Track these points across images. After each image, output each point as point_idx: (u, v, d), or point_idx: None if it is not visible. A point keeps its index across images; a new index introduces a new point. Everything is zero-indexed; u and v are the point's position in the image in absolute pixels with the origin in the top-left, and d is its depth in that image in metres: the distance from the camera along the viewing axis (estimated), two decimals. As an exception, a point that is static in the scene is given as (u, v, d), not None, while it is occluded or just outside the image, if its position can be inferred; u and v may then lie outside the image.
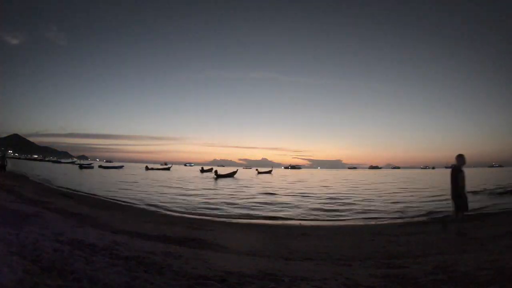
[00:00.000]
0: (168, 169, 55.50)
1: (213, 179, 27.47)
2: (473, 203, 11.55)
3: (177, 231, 5.26)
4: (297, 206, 10.92)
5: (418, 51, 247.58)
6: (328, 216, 9.19)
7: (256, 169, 60.52)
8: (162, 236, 4.64)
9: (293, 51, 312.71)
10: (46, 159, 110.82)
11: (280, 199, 13.34)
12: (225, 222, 7.84)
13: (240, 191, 16.38)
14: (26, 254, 2.29)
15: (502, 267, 2.57)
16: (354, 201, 12.61)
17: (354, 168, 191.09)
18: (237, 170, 38.22)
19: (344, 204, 11.71)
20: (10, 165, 24.02)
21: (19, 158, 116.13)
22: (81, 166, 48.33)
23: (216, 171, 31.76)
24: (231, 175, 32.08)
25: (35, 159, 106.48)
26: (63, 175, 27.19)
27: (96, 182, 20.41)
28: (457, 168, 5.37)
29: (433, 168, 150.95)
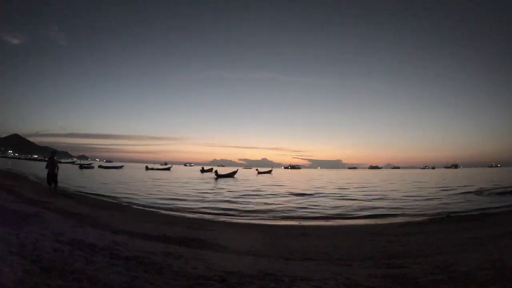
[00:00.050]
0: (168, 169, 55.47)
1: (213, 179, 27.50)
2: (473, 203, 11.61)
3: (177, 231, 5.26)
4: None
5: (418, 51, 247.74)
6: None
7: (256, 169, 60.56)
8: (162, 236, 4.64)
9: (293, 51, 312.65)
10: (46, 159, 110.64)
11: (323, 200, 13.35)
12: (225, 222, 7.84)
13: (266, 194, 15.36)
14: (26, 254, 2.29)
15: (502, 267, 2.57)
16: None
17: (354, 168, 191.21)
18: (237, 170, 38.27)
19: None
20: (11, 165, 23.98)
21: (19, 158, 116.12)
22: (81, 166, 48.35)
23: (216, 171, 31.79)
24: (231, 175, 32.10)
25: (35, 159, 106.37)
26: (63, 175, 27.17)
27: (96, 182, 20.41)
28: None
29: (433, 168, 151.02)
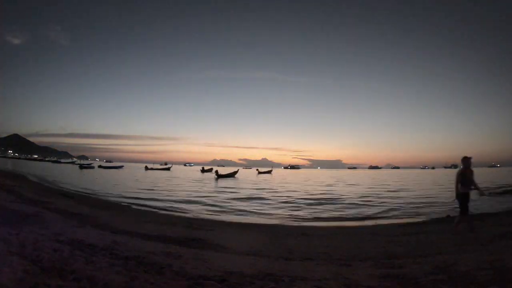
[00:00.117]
0: (168, 169, 55.41)
1: (213, 179, 27.50)
2: (473, 203, 11.58)
3: (177, 231, 5.26)
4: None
5: (418, 51, 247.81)
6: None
7: (257, 169, 60.64)
8: (162, 236, 4.64)
9: (293, 51, 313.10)
10: (46, 159, 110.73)
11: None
12: (225, 222, 7.84)
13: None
14: (26, 254, 2.29)
15: (502, 267, 2.57)
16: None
17: (354, 168, 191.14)
18: (238, 170, 38.33)
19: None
20: (10, 165, 24.00)
21: (19, 158, 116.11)
22: (81, 166, 48.35)
23: (217, 171, 31.81)
24: (232, 175, 32.10)
25: (35, 159, 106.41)
26: (63, 175, 27.19)
27: (96, 182, 20.41)
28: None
29: (433, 168, 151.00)
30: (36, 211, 5.20)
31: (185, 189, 17.48)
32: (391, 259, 3.53)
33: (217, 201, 12.14)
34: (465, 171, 5.50)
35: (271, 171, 51.32)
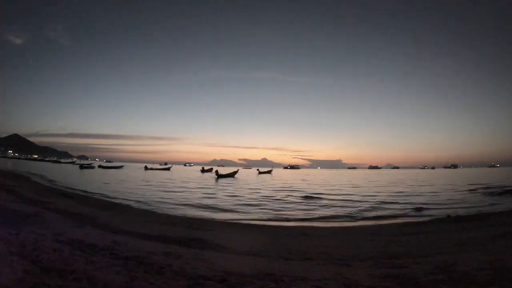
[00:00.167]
0: (168, 169, 55.37)
1: (214, 179, 27.51)
2: (473, 203, 11.61)
3: (177, 231, 5.26)
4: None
5: (418, 51, 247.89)
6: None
7: (257, 169, 60.78)
8: (162, 236, 4.64)
9: (293, 51, 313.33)
10: (46, 159, 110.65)
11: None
12: (225, 222, 7.84)
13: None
14: (26, 254, 2.29)
15: (502, 267, 2.57)
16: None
17: (354, 168, 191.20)
18: (238, 170, 38.51)
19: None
20: (10, 165, 24.01)
21: (19, 158, 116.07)
22: (82, 166, 48.31)
23: (217, 171, 31.85)
24: (232, 175, 32.16)
25: (35, 159, 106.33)
26: (64, 175, 27.19)
27: (97, 182, 20.41)
28: None
29: (433, 168, 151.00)
30: (36, 211, 5.20)
31: (185, 189, 17.48)
32: (391, 259, 3.53)
33: (217, 201, 12.14)
34: None
35: (271, 171, 51.56)
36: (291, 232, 6.40)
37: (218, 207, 10.60)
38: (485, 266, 2.65)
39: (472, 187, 18.55)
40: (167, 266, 2.50)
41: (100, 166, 52.74)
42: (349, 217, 9.05)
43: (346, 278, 2.54)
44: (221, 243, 4.52)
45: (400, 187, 21.23)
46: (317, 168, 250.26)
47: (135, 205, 10.46)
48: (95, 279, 1.96)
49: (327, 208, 10.71)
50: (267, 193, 15.92)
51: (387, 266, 3.05)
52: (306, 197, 13.84)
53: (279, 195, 14.89)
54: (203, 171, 42.84)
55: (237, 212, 9.77)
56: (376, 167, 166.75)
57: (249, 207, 10.68)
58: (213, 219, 8.37)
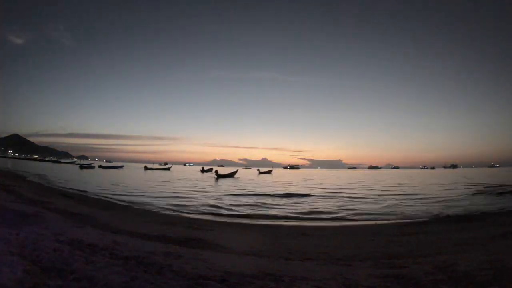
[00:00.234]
0: (168, 169, 55.37)
1: (213, 179, 27.52)
2: (473, 203, 11.60)
3: (177, 231, 5.26)
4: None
5: (418, 51, 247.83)
6: None
7: (258, 169, 60.94)
8: (162, 236, 4.64)
9: (293, 51, 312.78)
10: (46, 159, 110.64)
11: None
12: (225, 222, 7.84)
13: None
14: (26, 254, 2.29)
15: (502, 267, 2.57)
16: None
17: (354, 168, 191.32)
18: (237, 170, 38.63)
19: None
20: (10, 165, 24.01)
21: (19, 158, 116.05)
22: (82, 166, 48.30)
23: (216, 171, 31.86)
24: (231, 175, 32.22)
25: (35, 159, 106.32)
26: (64, 175, 27.19)
27: (97, 182, 20.41)
28: None
29: (433, 168, 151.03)
30: (36, 211, 5.20)
31: (185, 189, 17.48)
32: (391, 259, 3.54)
33: (217, 201, 12.14)
34: None
35: (271, 171, 51.87)
36: (291, 232, 6.41)
37: (218, 207, 10.59)
38: (485, 266, 2.65)
39: (472, 187, 18.56)
40: (167, 266, 2.49)
41: (100, 166, 52.73)
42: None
43: (346, 278, 2.55)
44: (221, 243, 4.53)
45: (401, 187, 21.24)
46: (317, 168, 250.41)
47: (135, 205, 10.46)
48: (95, 279, 1.96)
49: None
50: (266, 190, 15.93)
51: (387, 266, 3.05)
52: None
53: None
54: (203, 171, 42.87)
55: (236, 212, 9.77)
56: (376, 167, 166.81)
57: (248, 208, 10.68)
58: (213, 219, 8.37)
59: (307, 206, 11.13)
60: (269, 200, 12.65)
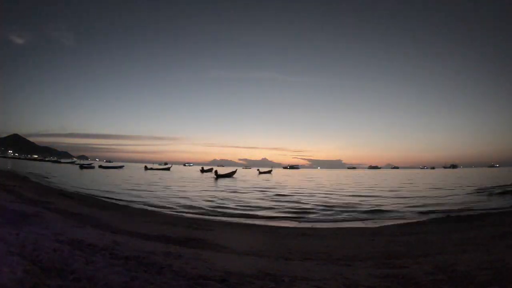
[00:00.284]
0: (168, 169, 55.36)
1: (213, 179, 27.52)
2: (473, 203, 11.60)
3: (177, 231, 5.26)
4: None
5: (418, 51, 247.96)
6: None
7: (258, 169, 61.00)
8: (162, 236, 4.64)
9: (293, 51, 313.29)
10: (46, 159, 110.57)
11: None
12: (225, 222, 7.84)
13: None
14: (26, 254, 2.29)
15: (502, 267, 2.57)
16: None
17: (354, 168, 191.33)
18: (236, 170, 38.75)
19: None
20: (10, 165, 24.00)
21: (19, 158, 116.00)
22: (82, 166, 48.28)
23: (216, 171, 31.89)
24: (230, 175, 32.28)
25: (35, 159, 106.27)
26: (64, 175, 27.18)
27: (97, 182, 20.40)
28: None
29: (433, 168, 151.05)
30: (36, 211, 5.19)
31: (185, 189, 17.48)
32: (391, 259, 3.53)
33: (216, 201, 12.14)
34: None
35: (271, 171, 51.95)
36: (291, 232, 6.40)
37: (218, 207, 10.59)
38: (485, 266, 2.65)
39: (472, 187, 18.56)
40: (167, 266, 2.49)
41: (100, 166, 52.73)
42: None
43: (346, 278, 2.54)
44: (221, 243, 4.52)
45: (402, 188, 21.24)
46: (317, 168, 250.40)
47: (135, 205, 10.46)
48: (95, 279, 1.96)
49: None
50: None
51: (387, 266, 3.05)
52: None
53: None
54: (202, 171, 42.88)
55: (236, 212, 9.77)
56: (376, 167, 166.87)
57: (248, 208, 10.68)
58: (213, 219, 8.37)
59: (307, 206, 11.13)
60: (268, 200, 12.66)
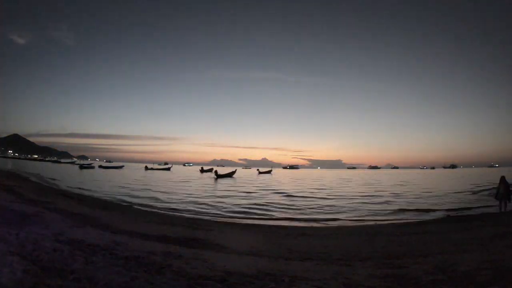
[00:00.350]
0: (168, 169, 55.37)
1: (213, 179, 27.53)
2: (473, 203, 11.61)
3: (177, 231, 5.26)
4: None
5: (418, 51, 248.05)
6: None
7: (257, 169, 61.02)
8: (162, 236, 4.64)
9: (294, 51, 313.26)
10: (46, 159, 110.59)
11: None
12: (225, 222, 7.84)
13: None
14: (26, 254, 2.29)
15: (502, 267, 2.57)
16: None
17: (354, 168, 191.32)
18: (236, 170, 38.75)
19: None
20: (10, 165, 23.99)
21: (19, 158, 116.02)
22: (82, 166, 48.27)
23: (216, 171, 31.89)
24: (230, 175, 32.30)
25: (35, 159, 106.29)
26: (64, 175, 27.18)
27: (97, 182, 20.41)
28: None
29: (433, 168, 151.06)
30: (36, 211, 5.20)
31: (184, 189, 17.48)
32: (391, 259, 3.54)
33: (216, 201, 12.14)
34: None
35: (271, 171, 52.01)
36: (291, 232, 6.40)
37: (218, 207, 10.60)
38: (485, 266, 2.65)
39: (472, 187, 18.57)
40: (167, 266, 2.50)
41: (100, 166, 52.72)
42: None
43: (346, 278, 2.55)
44: (221, 243, 4.53)
45: (401, 188, 21.24)
46: (317, 168, 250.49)
47: (135, 205, 10.46)
48: (95, 279, 1.96)
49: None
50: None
51: (387, 266, 3.05)
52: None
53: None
54: (202, 171, 42.89)
55: (236, 212, 9.77)
56: (375, 167, 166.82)
57: (248, 208, 10.68)
58: (213, 219, 8.37)
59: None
60: (268, 200, 12.66)
